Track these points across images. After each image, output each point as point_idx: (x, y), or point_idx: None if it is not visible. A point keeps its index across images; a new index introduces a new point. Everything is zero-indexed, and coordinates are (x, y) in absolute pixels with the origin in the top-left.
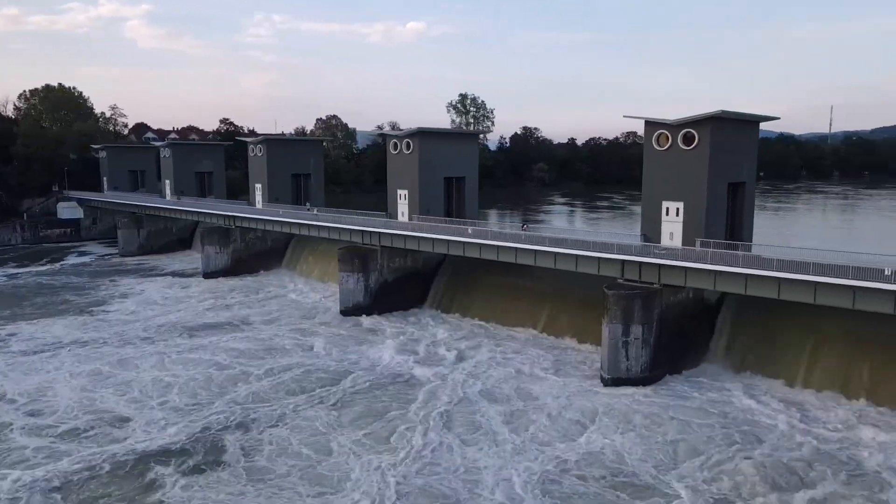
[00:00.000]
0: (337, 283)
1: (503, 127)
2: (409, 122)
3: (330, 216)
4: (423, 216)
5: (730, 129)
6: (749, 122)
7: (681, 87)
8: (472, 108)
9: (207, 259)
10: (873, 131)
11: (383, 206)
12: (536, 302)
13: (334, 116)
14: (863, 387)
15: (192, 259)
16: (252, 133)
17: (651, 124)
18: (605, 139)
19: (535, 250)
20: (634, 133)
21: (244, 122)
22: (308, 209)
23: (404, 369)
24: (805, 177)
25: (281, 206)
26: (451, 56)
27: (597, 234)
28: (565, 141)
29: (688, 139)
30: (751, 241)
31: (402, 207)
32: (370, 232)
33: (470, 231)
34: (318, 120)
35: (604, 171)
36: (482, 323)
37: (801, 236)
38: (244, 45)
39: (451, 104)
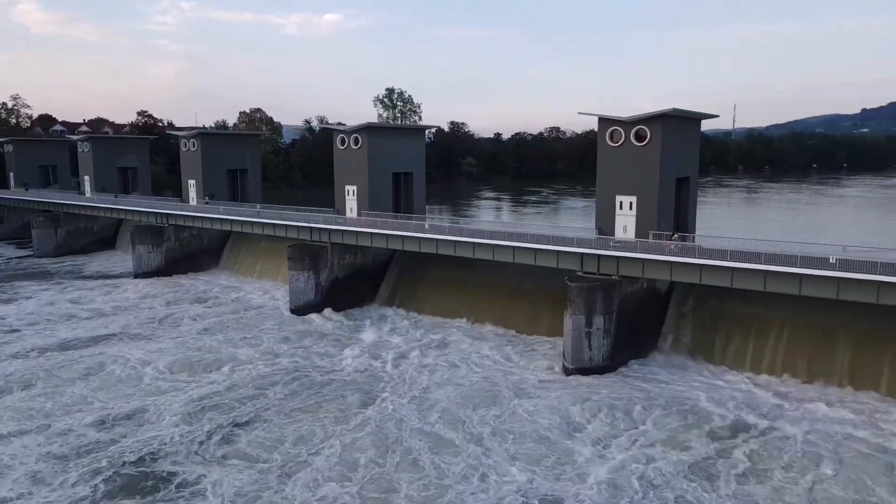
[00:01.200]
0: (280, 281)
1: (429, 121)
2: (335, 116)
3: (277, 213)
4: (372, 212)
5: (678, 126)
6: (693, 120)
7: (595, 84)
8: (399, 103)
9: (139, 259)
10: (768, 128)
11: (314, 201)
12: (489, 296)
13: (258, 110)
14: (804, 367)
15: (117, 259)
16: (171, 126)
17: (605, 121)
18: (530, 134)
19: (494, 245)
20: (557, 128)
21: (158, 114)
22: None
23: (358, 366)
24: (713, 171)
25: (220, 202)
26: (371, 49)
27: (554, 228)
28: (491, 135)
29: (640, 136)
30: (695, 233)
31: (351, 203)
32: (321, 229)
33: (427, 226)
34: (241, 113)
35: (529, 166)
36: (433, 317)
37: (722, 228)
38: (150, 33)
39: (377, 98)
